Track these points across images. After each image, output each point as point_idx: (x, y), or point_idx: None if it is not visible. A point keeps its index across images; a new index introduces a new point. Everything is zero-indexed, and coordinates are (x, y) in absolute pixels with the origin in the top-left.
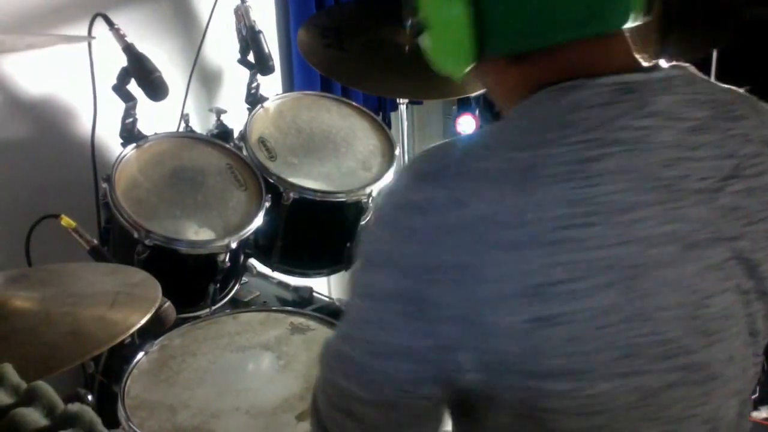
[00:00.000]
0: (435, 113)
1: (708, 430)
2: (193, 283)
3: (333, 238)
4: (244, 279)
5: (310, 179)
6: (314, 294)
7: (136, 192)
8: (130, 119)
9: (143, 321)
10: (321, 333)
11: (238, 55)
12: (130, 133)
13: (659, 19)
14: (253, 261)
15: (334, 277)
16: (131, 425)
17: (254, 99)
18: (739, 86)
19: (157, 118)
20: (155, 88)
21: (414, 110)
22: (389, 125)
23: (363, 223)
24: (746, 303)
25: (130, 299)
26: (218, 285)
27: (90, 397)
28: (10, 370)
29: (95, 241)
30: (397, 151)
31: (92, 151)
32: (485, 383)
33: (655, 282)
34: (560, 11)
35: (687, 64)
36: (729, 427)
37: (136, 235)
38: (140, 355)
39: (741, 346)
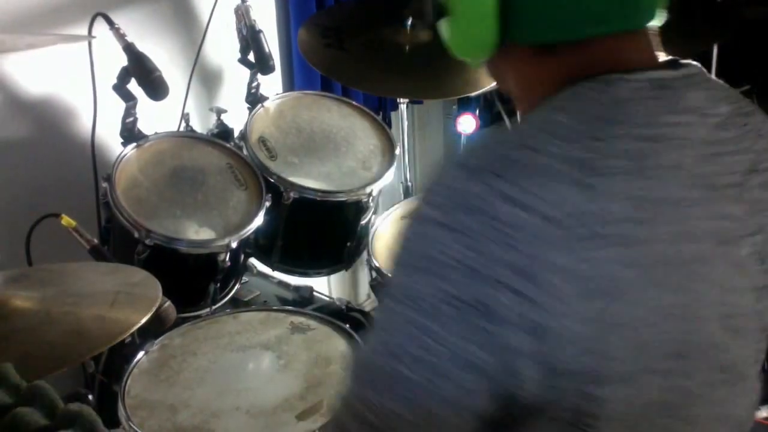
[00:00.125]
0: (435, 113)
1: (731, 430)
2: (194, 282)
3: (333, 237)
4: (245, 278)
5: (310, 179)
6: (315, 293)
7: (136, 191)
8: (131, 119)
9: (143, 320)
10: (321, 332)
11: (239, 55)
12: (130, 133)
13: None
14: (253, 260)
15: (334, 277)
16: (131, 425)
17: (254, 98)
18: (739, 86)
19: (157, 118)
20: (155, 88)
21: (414, 110)
22: (389, 125)
23: (363, 222)
24: (759, 298)
25: (131, 299)
26: (218, 284)
27: (90, 397)
28: (10, 370)
29: (95, 241)
30: (398, 151)
31: (92, 150)
32: (540, 394)
33: (699, 280)
34: (595, 4)
35: (694, 62)
36: (746, 427)
37: (136, 234)
38: (140, 354)
39: (756, 344)
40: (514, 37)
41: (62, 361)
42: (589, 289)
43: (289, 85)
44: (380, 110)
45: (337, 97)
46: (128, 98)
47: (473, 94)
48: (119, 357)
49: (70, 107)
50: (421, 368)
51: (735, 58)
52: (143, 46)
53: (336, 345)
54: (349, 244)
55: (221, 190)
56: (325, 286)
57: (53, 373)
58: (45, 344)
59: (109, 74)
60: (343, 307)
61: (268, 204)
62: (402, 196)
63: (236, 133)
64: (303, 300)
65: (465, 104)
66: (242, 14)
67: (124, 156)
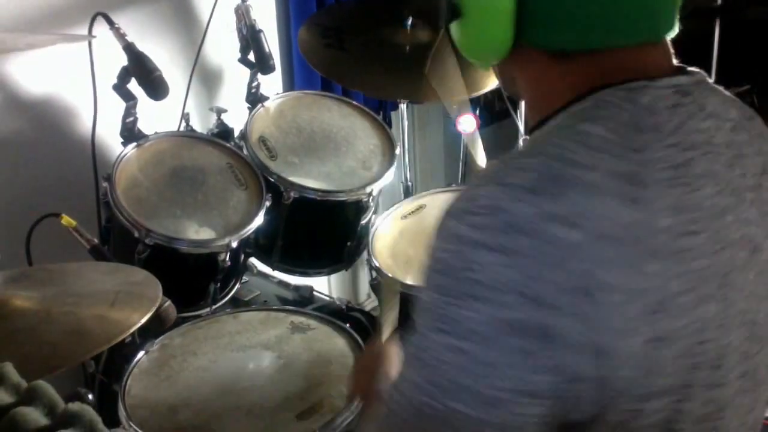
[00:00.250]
0: (435, 113)
1: None
2: (194, 282)
3: (333, 237)
4: (245, 278)
5: (310, 178)
6: (315, 293)
7: (136, 191)
8: (131, 118)
9: (144, 320)
10: (321, 332)
11: (239, 55)
12: (130, 132)
13: None
14: (253, 260)
15: (334, 277)
16: (132, 424)
17: (255, 98)
18: (739, 86)
19: (157, 118)
20: (156, 87)
21: (414, 110)
22: (390, 124)
23: (363, 222)
24: None
25: (131, 298)
26: (219, 284)
27: (90, 397)
28: (10, 370)
29: (96, 241)
30: (398, 151)
31: (93, 150)
32: (591, 411)
33: (734, 288)
34: (618, 15)
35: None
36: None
37: (136, 234)
38: (141, 354)
39: None
40: (530, 41)
41: (62, 361)
42: (645, 305)
43: (290, 84)
44: (380, 110)
45: (337, 96)
46: (128, 98)
47: (474, 95)
48: (119, 357)
49: (71, 107)
50: (479, 402)
51: (735, 58)
52: (143, 46)
53: (336, 345)
54: (349, 243)
55: (221, 190)
56: (325, 285)
57: (53, 373)
58: (45, 344)
59: (109, 74)
60: (344, 306)
61: (268, 204)
62: (402, 195)
63: (236, 133)
64: (303, 300)
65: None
66: (242, 14)
67: (124, 156)
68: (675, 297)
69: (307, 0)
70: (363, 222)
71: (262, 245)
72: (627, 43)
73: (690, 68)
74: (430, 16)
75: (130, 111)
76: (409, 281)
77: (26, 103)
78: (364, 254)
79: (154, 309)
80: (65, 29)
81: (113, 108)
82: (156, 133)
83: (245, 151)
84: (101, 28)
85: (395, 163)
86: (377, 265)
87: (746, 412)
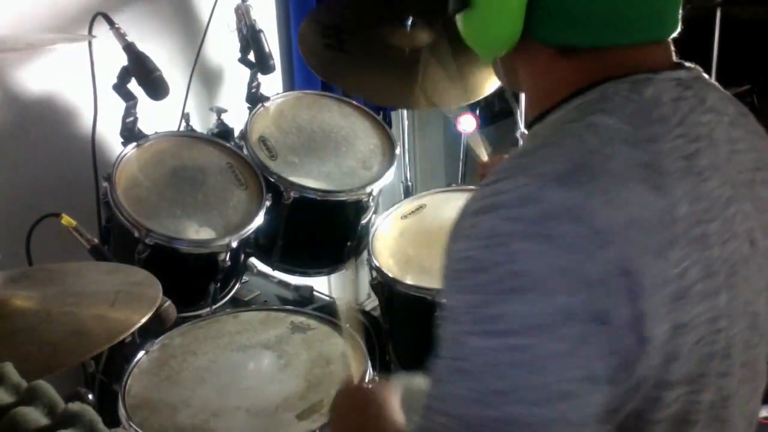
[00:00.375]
0: (436, 112)
1: (748, 427)
2: (194, 282)
3: (334, 237)
4: (245, 278)
5: (310, 178)
6: (315, 293)
7: (136, 191)
8: (131, 118)
9: (144, 320)
10: (321, 332)
11: (239, 54)
12: (130, 132)
13: None
14: (253, 260)
15: (334, 276)
16: (132, 424)
17: (255, 98)
18: (739, 86)
19: (157, 117)
20: (156, 87)
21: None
22: (390, 124)
23: (363, 222)
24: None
25: (131, 298)
26: (219, 284)
27: (90, 396)
28: (10, 370)
29: (96, 240)
30: (398, 150)
31: (93, 150)
32: (623, 399)
33: (740, 279)
34: (628, 14)
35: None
36: (755, 423)
37: (136, 234)
38: (141, 354)
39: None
40: (538, 36)
41: (62, 361)
42: (670, 291)
43: (290, 84)
44: (380, 110)
45: (337, 96)
46: (128, 98)
47: (472, 101)
48: (120, 357)
49: (71, 107)
50: (544, 400)
51: (735, 58)
52: (143, 46)
53: (336, 345)
54: (349, 243)
55: (221, 190)
56: (325, 285)
57: (53, 373)
58: (45, 344)
59: (109, 74)
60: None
61: (268, 203)
62: (402, 195)
63: (236, 133)
64: (303, 299)
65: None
66: (242, 14)
67: (124, 155)
68: (694, 285)
69: (307, 0)
70: (363, 222)
71: (262, 245)
72: (634, 41)
73: (687, 63)
74: (431, 15)
75: (130, 111)
76: (409, 281)
77: (26, 103)
78: (365, 254)
79: (154, 309)
80: (65, 29)
81: (113, 108)
82: (156, 133)
83: (245, 151)
84: (101, 28)
85: (395, 163)
86: (377, 264)
87: (746, 402)
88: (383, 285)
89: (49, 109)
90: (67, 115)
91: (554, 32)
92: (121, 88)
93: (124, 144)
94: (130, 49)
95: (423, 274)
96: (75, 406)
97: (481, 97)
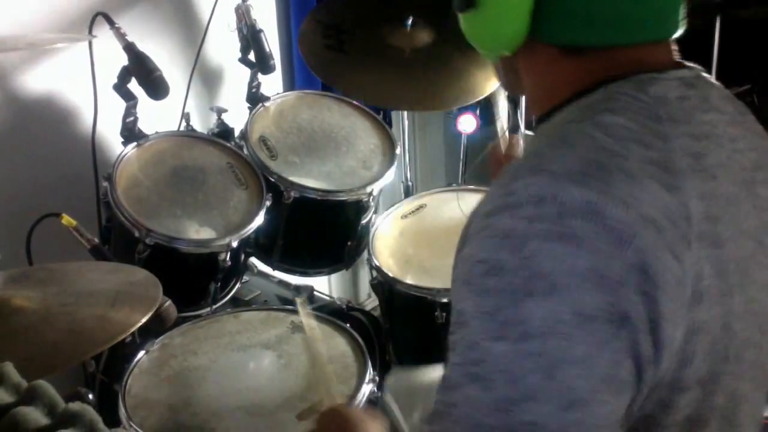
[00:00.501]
0: (436, 112)
1: (754, 428)
2: (194, 282)
3: (334, 237)
4: (245, 278)
5: (310, 178)
6: (315, 293)
7: (136, 191)
8: (131, 118)
9: (144, 320)
10: (322, 332)
11: (239, 54)
12: (130, 132)
13: None
14: (254, 260)
15: (334, 276)
16: (132, 424)
17: (255, 98)
18: (739, 86)
19: (157, 117)
20: (156, 87)
21: None
22: (390, 124)
23: (364, 222)
24: None
25: (131, 298)
26: (219, 284)
27: (91, 396)
28: (10, 369)
29: (96, 240)
30: (398, 150)
31: (93, 149)
32: (636, 405)
33: (749, 279)
34: (634, 14)
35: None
36: (761, 425)
37: (136, 233)
38: (141, 353)
39: None
40: (543, 36)
41: (63, 361)
42: (685, 294)
43: (290, 84)
44: (381, 109)
45: (337, 96)
46: (129, 98)
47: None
48: (120, 356)
49: (71, 107)
50: (563, 406)
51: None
52: (144, 46)
53: (336, 344)
54: (349, 243)
55: (222, 190)
56: (325, 285)
57: (54, 373)
58: (45, 344)
59: (109, 74)
60: (344, 306)
61: (268, 203)
62: (402, 195)
63: (237, 133)
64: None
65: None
66: (243, 13)
67: (124, 155)
68: (709, 285)
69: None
70: (363, 222)
71: (263, 245)
72: (638, 40)
73: (688, 63)
74: (431, 14)
75: (130, 111)
76: (409, 281)
77: (27, 103)
78: (365, 254)
79: (154, 309)
80: (66, 29)
81: (113, 108)
82: (156, 132)
83: (246, 151)
84: (102, 28)
85: (395, 163)
86: (378, 264)
87: (754, 404)
88: (383, 284)
89: (49, 108)
90: (68, 114)
91: (559, 32)
92: (121, 87)
93: (125, 144)
94: (130, 48)
95: (423, 274)
96: (75, 405)
97: (481, 97)
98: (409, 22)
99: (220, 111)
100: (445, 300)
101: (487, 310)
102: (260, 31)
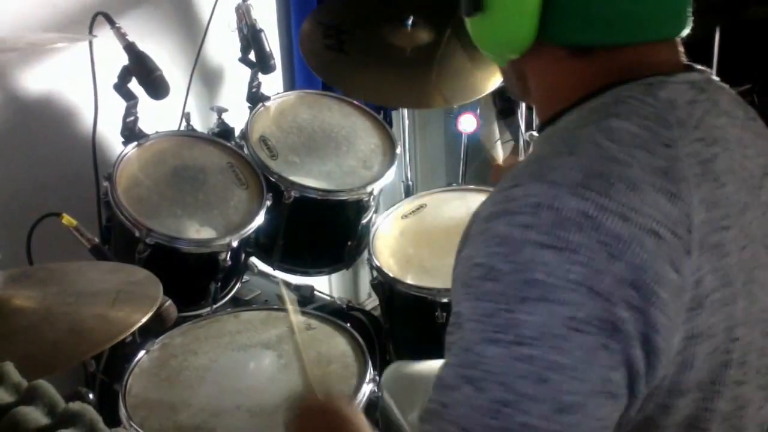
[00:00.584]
0: (436, 112)
1: None
2: (195, 281)
3: (334, 236)
4: (246, 278)
5: (311, 178)
6: (315, 293)
7: (137, 190)
8: (131, 118)
9: (144, 320)
10: (322, 332)
11: (239, 54)
12: (131, 132)
13: None
14: (254, 260)
15: (335, 276)
16: (132, 424)
17: (255, 98)
18: (739, 86)
19: (158, 117)
20: (156, 87)
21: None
22: (390, 124)
23: (364, 221)
24: None
25: (132, 298)
26: (219, 284)
27: (91, 396)
28: (11, 369)
29: (96, 240)
30: (399, 150)
31: (93, 149)
32: (632, 410)
33: (757, 285)
34: (640, 11)
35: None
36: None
37: (137, 233)
38: (141, 353)
39: None
40: (552, 37)
41: (63, 361)
42: (684, 302)
43: (290, 84)
44: (381, 109)
45: (338, 96)
46: (129, 97)
47: (472, 100)
48: (120, 356)
49: (71, 106)
50: (555, 411)
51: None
52: (144, 46)
53: (337, 344)
54: (350, 243)
55: (222, 190)
56: (326, 285)
57: (54, 372)
58: (46, 343)
59: (110, 73)
60: (344, 306)
61: (269, 203)
62: (403, 195)
63: (237, 133)
64: (304, 299)
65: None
66: (243, 13)
67: (124, 155)
68: (710, 294)
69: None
70: (364, 221)
71: (263, 245)
72: (645, 38)
73: (698, 66)
74: (432, 14)
75: (130, 110)
76: (409, 280)
77: (27, 103)
78: (365, 254)
79: (154, 308)
80: (66, 29)
81: (114, 107)
82: (157, 132)
83: (246, 151)
84: (102, 28)
85: (396, 163)
86: (378, 264)
87: (758, 409)
88: (383, 284)
89: (49, 108)
90: (68, 114)
91: (566, 33)
92: (121, 87)
93: (125, 143)
94: (130, 48)
95: (423, 274)
96: (75, 405)
97: (483, 94)
98: (410, 21)
99: (220, 111)
100: (445, 300)
101: (482, 313)
102: (260, 30)
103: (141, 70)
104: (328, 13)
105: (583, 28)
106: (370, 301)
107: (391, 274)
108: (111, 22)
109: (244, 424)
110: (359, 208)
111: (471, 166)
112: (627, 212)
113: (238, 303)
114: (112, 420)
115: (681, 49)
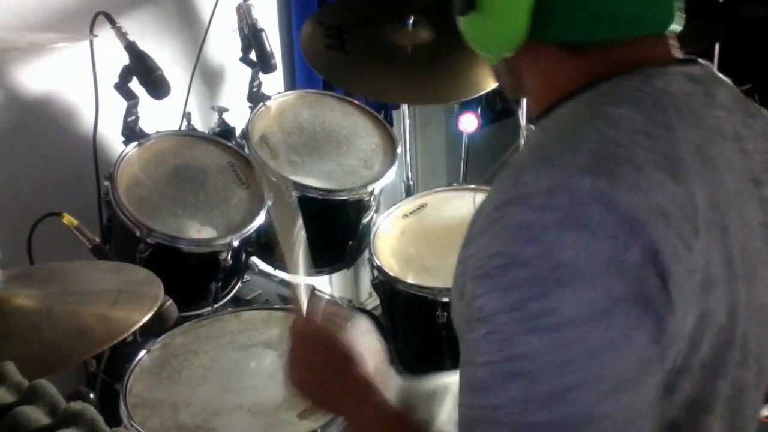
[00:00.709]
0: (437, 111)
1: (754, 421)
2: (195, 281)
3: (335, 236)
4: (246, 277)
5: (312, 177)
6: (316, 292)
7: (138, 190)
8: (132, 117)
9: (145, 319)
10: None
11: (240, 54)
12: (132, 132)
13: None
14: (254, 259)
15: (335, 276)
16: (133, 423)
17: (256, 97)
18: (739, 86)
19: (159, 117)
20: (157, 87)
21: (416, 109)
22: (391, 123)
23: (365, 221)
24: None
25: (132, 297)
26: (220, 283)
27: (92, 396)
28: (12, 369)
29: (97, 240)
30: (399, 150)
31: (94, 149)
32: (666, 385)
33: (754, 272)
34: (633, 7)
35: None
36: (758, 419)
37: (138, 233)
38: (142, 353)
39: None
40: (545, 35)
41: (64, 360)
42: (696, 282)
43: (291, 83)
44: (382, 109)
45: (338, 95)
46: (130, 97)
47: (472, 96)
48: (121, 356)
49: (72, 106)
50: (606, 392)
51: (736, 57)
52: (145, 45)
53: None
54: (350, 242)
55: (223, 189)
56: (326, 285)
57: (55, 372)
58: (47, 343)
59: (110, 73)
60: (345, 306)
61: (269, 203)
62: (403, 194)
63: (238, 132)
64: None
65: (466, 103)
66: (244, 13)
67: (125, 155)
68: (717, 271)
69: None
70: (364, 221)
71: (264, 244)
72: (636, 34)
73: (700, 60)
74: (432, 12)
75: (131, 110)
76: (410, 280)
77: (28, 102)
78: (366, 253)
79: (155, 308)
80: (67, 28)
81: (115, 107)
82: (157, 132)
83: (247, 150)
84: (103, 28)
85: (397, 162)
86: (379, 264)
87: (754, 397)
88: (384, 284)
89: (50, 108)
90: (69, 114)
91: (558, 30)
92: (122, 87)
93: (126, 143)
94: (131, 48)
95: (424, 273)
96: (76, 405)
97: (482, 92)
98: (410, 21)
99: (221, 110)
100: (446, 299)
101: (514, 304)
102: (261, 30)
103: (142, 70)
104: (329, 14)
105: (575, 25)
106: (371, 301)
107: (391, 274)
108: (112, 22)
109: (245, 424)
110: (360, 207)
111: (472, 165)
112: (638, 192)
113: (239, 302)
114: (113, 419)
115: (675, 44)
